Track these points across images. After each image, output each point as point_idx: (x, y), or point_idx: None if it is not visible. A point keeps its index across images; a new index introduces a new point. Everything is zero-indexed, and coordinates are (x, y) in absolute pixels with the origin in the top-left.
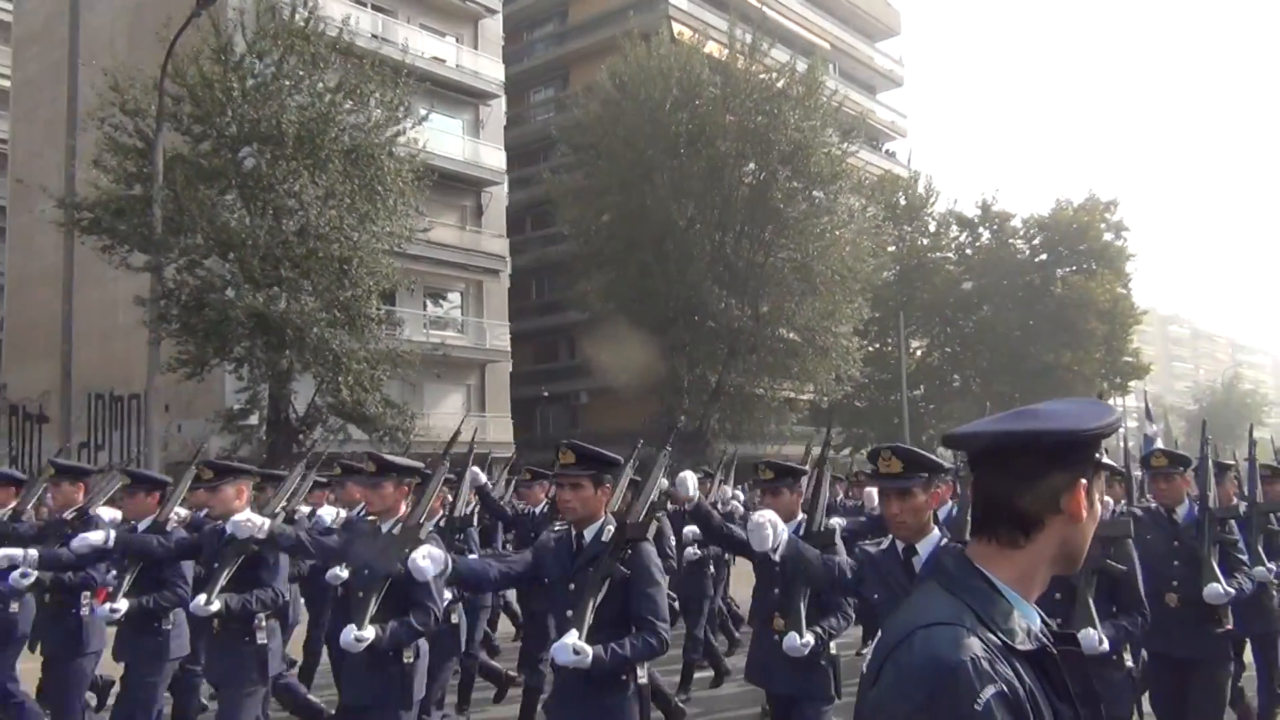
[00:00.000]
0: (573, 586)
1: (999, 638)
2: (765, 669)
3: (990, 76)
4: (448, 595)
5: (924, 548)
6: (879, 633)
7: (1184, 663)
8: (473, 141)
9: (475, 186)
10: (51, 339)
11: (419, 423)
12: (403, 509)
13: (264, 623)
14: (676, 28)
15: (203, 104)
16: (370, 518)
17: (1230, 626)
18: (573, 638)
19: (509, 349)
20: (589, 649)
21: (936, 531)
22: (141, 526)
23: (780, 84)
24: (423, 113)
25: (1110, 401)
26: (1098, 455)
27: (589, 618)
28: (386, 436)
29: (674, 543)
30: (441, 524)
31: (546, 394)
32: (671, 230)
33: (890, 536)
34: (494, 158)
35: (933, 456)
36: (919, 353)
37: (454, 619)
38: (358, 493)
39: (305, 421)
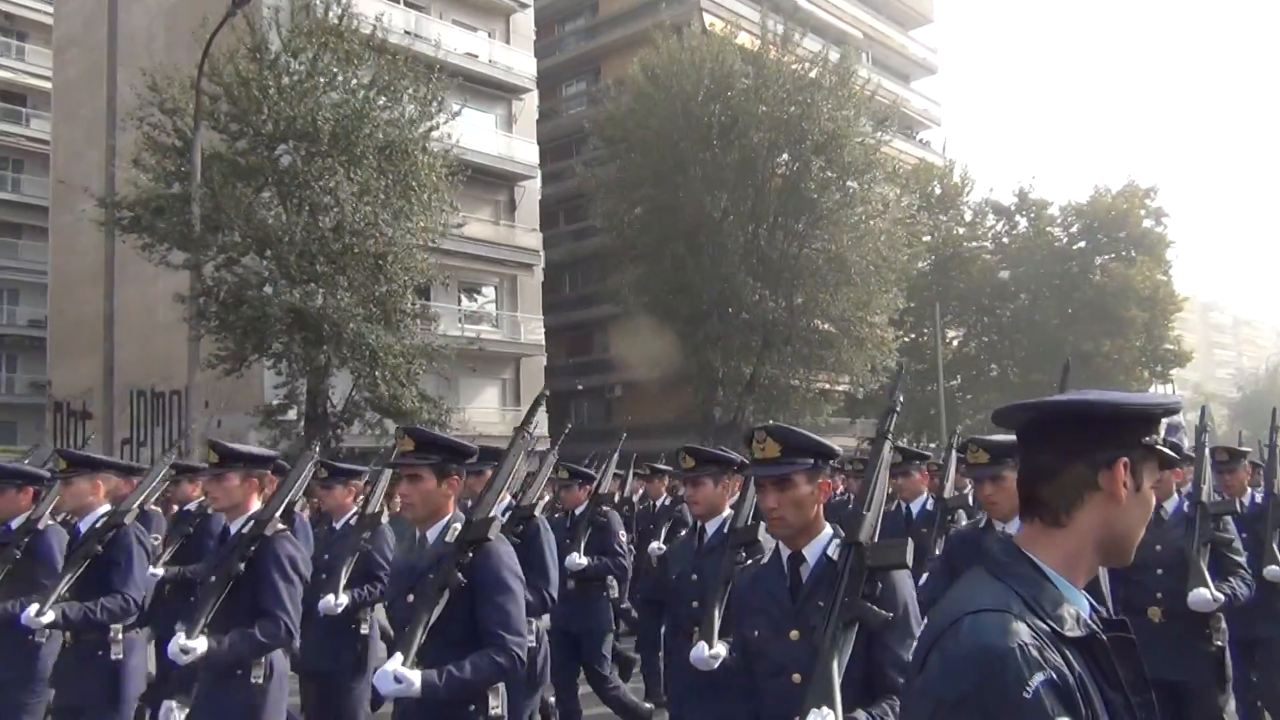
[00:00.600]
0: (411, 599)
1: (1048, 624)
2: (680, 696)
3: (1026, 62)
4: (343, 599)
5: (811, 553)
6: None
7: (1171, 688)
8: (505, 136)
9: (508, 181)
10: (94, 337)
11: (455, 416)
12: (254, 505)
13: (119, 635)
14: (708, 19)
15: (239, 102)
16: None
17: (1222, 644)
18: (395, 663)
19: (543, 343)
20: (414, 676)
21: (827, 530)
22: (14, 524)
23: (813, 74)
24: (455, 108)
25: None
26: (1148, 439)
27: (420, 636)
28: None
29: (623, 539)
30: (352, 521)
31: (581, 387)
32: (705, 222)
33: (774, 545)
34: (527, 152)
35: (819, 439)
36: (955, 342)
37: (363, 629)
38: (198, 488)
39: (343, 416)
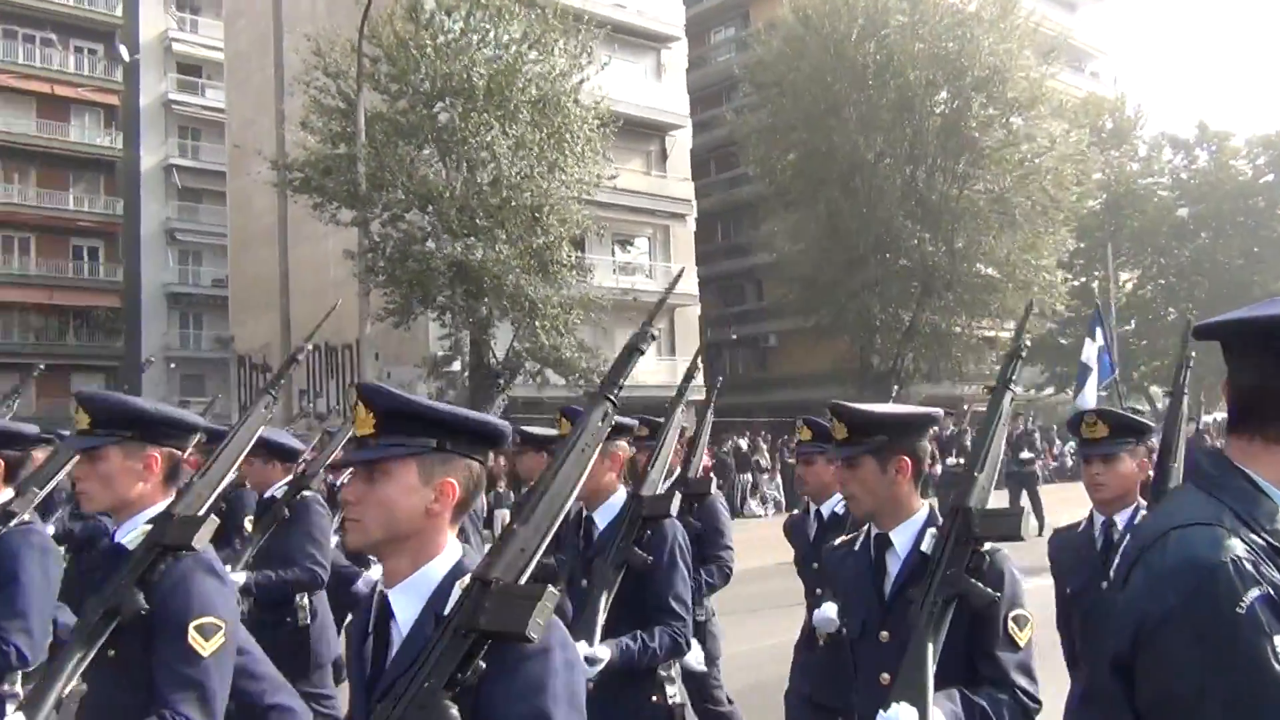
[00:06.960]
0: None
1: (1264, 539)
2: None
3: None
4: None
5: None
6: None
7: None
8: (655, 86)
9: (659, 131)
10: (271, 294)
11: None
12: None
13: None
14: None
15: (398, 63)
16: None
17: None
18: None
19: (697, 293)
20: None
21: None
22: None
23: (972, 7)
24: (605, 59)
25: None
26: None
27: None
28: (581, 379)
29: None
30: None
31: (735, 337)
32: (860, 166)
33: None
34: (677, 101)
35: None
36: (1129, 285)
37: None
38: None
39: (505, 366)
